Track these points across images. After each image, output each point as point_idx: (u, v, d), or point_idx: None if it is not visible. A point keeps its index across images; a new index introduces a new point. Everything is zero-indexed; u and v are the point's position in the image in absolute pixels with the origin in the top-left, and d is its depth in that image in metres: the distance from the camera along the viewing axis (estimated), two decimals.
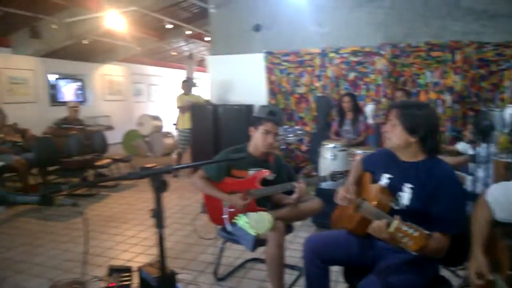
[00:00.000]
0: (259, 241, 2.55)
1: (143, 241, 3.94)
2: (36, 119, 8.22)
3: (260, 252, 2.89)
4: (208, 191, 2.73)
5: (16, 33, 8.76)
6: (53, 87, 10.32)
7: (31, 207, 5.08)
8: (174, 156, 9.39)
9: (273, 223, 2.49)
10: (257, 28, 6.69)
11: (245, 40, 6.85)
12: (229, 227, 2.71)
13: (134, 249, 3.73)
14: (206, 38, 10.85)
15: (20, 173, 5.23)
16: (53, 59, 9.65)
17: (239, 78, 6.90)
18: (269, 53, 6.68)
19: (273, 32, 6.67)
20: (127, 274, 3.05)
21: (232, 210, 2.70)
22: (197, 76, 13.95)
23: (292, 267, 3.09)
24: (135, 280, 2.91)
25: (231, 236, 2.76)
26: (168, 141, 9.41)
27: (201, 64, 14.50)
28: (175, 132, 10.55)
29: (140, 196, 5.68)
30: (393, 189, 1.94)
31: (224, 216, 2.71)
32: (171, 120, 12.31)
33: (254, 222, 2.53)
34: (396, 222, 1.60)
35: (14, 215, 4.79)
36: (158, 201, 1.42)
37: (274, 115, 2.82)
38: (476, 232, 1.80)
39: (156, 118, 9.75)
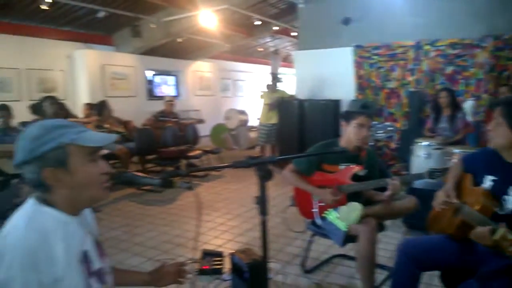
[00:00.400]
0: (349, 237, 2.53)
1: (232, 228, 4.11)
2: (135, 112, 8.95)
3: (348, 248, 2.87)
4: (298, 185, 2.76)
5: (119, 32, 9.60)
6: (150, 82, 11.13)
7: (131, 192, 5.59)
8: (258, 149, 9.63)
9: (363, 212, 2.46)
10: (346, 21, 6.56)
11: (333, 34, 6.76)
12: (318, 221, 2.72)
13: (224, 235, 3.91)
14: (293, 33, 10.89)
15: (123, 160, 5.74)
16: (150, 57, 10.40)
17: (326, 73, 6.83)
18: (358, 47, 6.52)
19: (363, 25, 6.48)
20: (219, 258, 3.23)
21: (322, 204, 2.70)
22: (282, 71, 14.06)
23: (382, 267, 3.01)
24: (227, 265, 3.07)
25: (320, 230, 2.77)
26: (253, 134, 9.66)
27: (286, 60, 14.59)
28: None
29: (226, 187, 5.92)
30: (497, 193, 1.82)
31: (313, 210, 2.73)
32: (256, 115, 12.67)
33: (344, 213, 2.52)
34: (502, 230, 1.50)
35: (115, 198, 5.30)
36: (263, 189, 1.48)
37: (367, 108, 2.75)
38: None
39: (242, 112, 10.05)
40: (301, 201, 2.83)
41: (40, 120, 5.38)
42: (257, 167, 1.45)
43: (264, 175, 1.45)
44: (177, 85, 11.93)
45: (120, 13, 8.10)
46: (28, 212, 1.10)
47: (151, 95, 10.99)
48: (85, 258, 1.17)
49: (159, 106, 7.88)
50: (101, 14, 7.62)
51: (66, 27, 8.75)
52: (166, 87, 11.66)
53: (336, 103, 6.37)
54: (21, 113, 5.12)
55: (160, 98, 10.63)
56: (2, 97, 7.33)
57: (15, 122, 4.86)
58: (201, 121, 7.40)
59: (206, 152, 6.68)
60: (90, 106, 6.41)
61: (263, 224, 1.52)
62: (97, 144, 1.14)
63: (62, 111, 5.27)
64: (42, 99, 5.10)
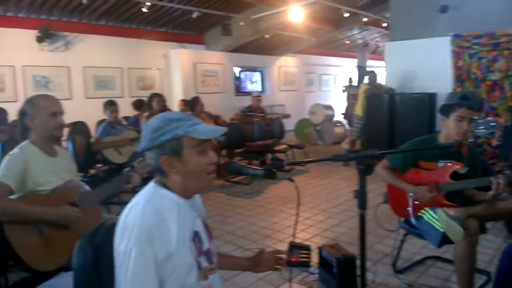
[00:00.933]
0: (446, 238, 2.39)
1: (318, 223, 4.11)
2: (223, 107, 9.34)
3: (443, 250, 2.72)
4: (392, 181, 2.66)
5: (210, 31, 10.06)
6: (237, 78, 11.48)
7: (220, 183, 5.85)
8: (344, 145, 9.44)
9: (462, 237, 2.27)
10: (444, 9, 6.12)
11: (428, 23, 6.35)
12: (413, 220, 2.61)
13: (310, 230, 3.93)
14: (384, 24, 10.46)
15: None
16: (238, 54, 10.73)
17: (420, 64, 6.45)
18: (456, 36, 6.05)
19: (462, 13, 6.00)
20: (306, 251, 3.25)
21: (417, 202, 2.58)
22: (370, 64, 13.60)
23: (480, 271, 2.80)
24: (314, 259, 3.09)
25: (415, 229, 2.66)
26: (338, 130, 9.50)
27: (374, 52, 14.07)
28: (344, 121, 10.60)
29: (311, 181, 5.92)
30: None
31: (408, 209, 2.62)
32: (341, 110, 12.43)
33: (445, 226, 2.36)
34: None
35: None
36: (363, 183, 1.47)
37: (467, 99, 2.56)
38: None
39: (328, 107, 9.93)
40: (395, 198, 2.74)
41: (140, 115, 5.89)
42: (357, 161, 1.44)
43: (365, 169, 1.44)
44: (263, 80, 12.15)
45: (212, 13, 8.47)
46: (148, 193, 1.26)
47: (238, 91, 11.34)
48: (196, 238, 1.28)
49: (245, 102, 8.13)
50: (195, 15, 8.03)
51: (163, 28, 9.40)
52: (252, 82, 11.94)
53: (431, 96, 6.00)
54: (123, 108, 5.60)
55: (247, 93, 10.94)
56: (107, 94, 8.13)
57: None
58: (287, 115, 7.47)
59: (291, 146, 6.73)
60: (184, 102, 6.81)
61: (362, 218, 1.52)
62: (208, 136, 1.24)
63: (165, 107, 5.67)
64: (151, 95, 5.54)
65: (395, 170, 2.68)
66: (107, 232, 1.41)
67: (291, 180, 1.50)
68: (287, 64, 12.58)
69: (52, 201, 2.04)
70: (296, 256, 3.22)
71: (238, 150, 6.41)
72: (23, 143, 2.13)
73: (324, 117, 9.59)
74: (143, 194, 1.26)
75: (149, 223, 1.15)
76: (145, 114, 5.45)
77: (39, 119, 2.11)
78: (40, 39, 7.37)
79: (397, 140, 6.05)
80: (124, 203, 1.30)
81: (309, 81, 14.17)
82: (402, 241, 2.96)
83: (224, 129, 1.30)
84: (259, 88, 11.93)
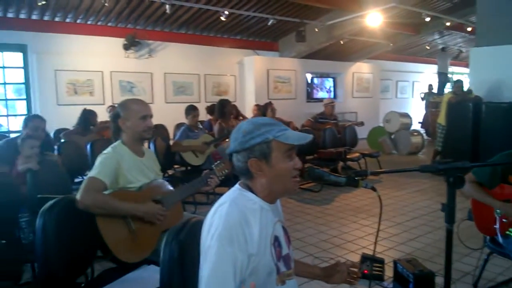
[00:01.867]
0: None
1: (392, 236, 3.96)
2: (295, 113, 9.35)
3: None
4: (478, 197, 2.49)
5: (284, 38, 10.15)
6: (309, 85, 11.44)
7: None
8: (421, 155, 8.99)
9: None
10: None
11: None
12: (500, 239, 2.42)
13: (383, 242, 3.80)
14: (468, 29, 9.82)
15: None
16: (311, 60, 10.69)
17: (510, 72, 5.96)
18: None
19: None
20: (379, 264, 3.15)
21: (505, 220, 2.39)
22: (451, 70, 12.83)
23: None
24: (388, 273, 2.98)
25: (501, 249, 2.47)
26: (415, 139, 9.06)
27: (456, 58, 13.23)
28: (422, 131, 10.09)
29: (385, 192, 5.70)
30: None
31: (495, 226, 2.43)
32: (418, 118, 11.85)
33: None
34: None
35: None
36: (452, 196, 1.40)
37: None
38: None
39: (404, 115, 9.52)
40: (480, 214, 2.56)
41: (213, 119, 6.10)
42: (447, 173, 1.38)
43: (455, 181, 1.37)
44: (335, 87, 11.97)
45: (287, 20, 8.55)
46: (233, 194, 1.32)
47: (310, 97, 11.29)
48: (276, 243, 1.31)
49: (317, 108, 8.07)
50: (270, 22, 8.16)
51: (238, 36, 9.68)
52: (324, 89, 11.82)
53: None
54: (200, 113, 5.81)
55: (318, 100, 10.85)
56: (185, 99, 8.54)
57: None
58: (361, 123, 7.28)
59: (364, 155, 6.55)
60: (258, 107, 6.94)
61: (449, 234, 1.44)
62: (295, 142, 1.27)
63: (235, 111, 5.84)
64: (222, 101, 5.73)
65: (481, 185, 2.50)
66: (191, 229, 1.50)
67: (374, 189, 1.47)
68: (361, 70, 12.27)
69: (139, 197, 2.19)
70: (369, 268, 3.14)
71: (309, 157, 6.38)
72: (115, 143, 2.31)
73: (399, 126, 9.19)
74: (229, 195, 1.32)
75: (232, 223, 1.20)
76: (219, 120, 5.62)
77: (131, 121, 2.28)
78: (126, 47, 7.96)
79: (482, 153, 5.62)
80: (197, 203, 1.36)
81: (385, 88, 13.69)
82: (486, 260, 2.76)
83: (310, 137, 1.32)
84: (331, 95, 11.78)
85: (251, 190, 1.32)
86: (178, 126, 6.78)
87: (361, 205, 5.04)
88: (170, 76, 8.80)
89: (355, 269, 1.64)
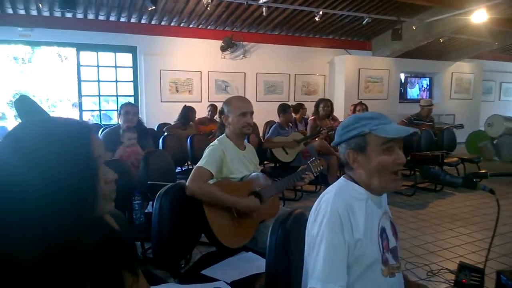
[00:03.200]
0: None
1: (494, 247, 3.69)
2: (386, 113, 8.76)
3: None
4: None
5: (378, 37, 9.87)
6: (402, 85, 10.97)
7: None
8: None
9: None
10: None
11: None
12: None
13: (482, 252, 3.57)
14: None
15: None
16: (406, 59, 10.24)
17: None
18: None
19: None
20: (478, 274, 2.98)
21: None
22: None
23: None
24: (488, 284, 2.80)
25: None
26: None
27: None
28: None
29: (486, 200, 5.29)
30: None
31: None
32: None
33: None
34: None
35: None
36: None
37: None
38: None
39: (510, 119, 8.68)
40: None
41: (298, 117, 6.19)
42: None
43: None
44: (431, 87, 11.32)
45: (382, 18, 8.31)
46: (338, 185, 1.39)
47: (402, 98, 10.83)
48: (384, 234, 1.35)
49: (409, 109, 7.73)
50: (365, 21, 8.00)
51: (330, 35, 9.63)
52: (419, 89, 11.25)
53: None
54: None
55: (411, 101, 10.37)
56: (275, 98, 8.78)
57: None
58: (460, 126, 6.83)
59: (463, 160, 6.14)
60: (353, 107, 6.88)
61: None
62: (394, 135, 1.29)
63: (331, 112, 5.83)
64: (318, 101, 5.81)
65: None
66: (295, 219, 1.60)
67: (492, 192, 1.43)
68: (461, 70, 11.42)
69: (240, 188, 2.36)
70: (467, 278, 3.00)
71: None
72: (221, 137, 2.52)
73: (504, 130, 8.39)
74: (334, 186, 1.39)
75: (339, 210, 1.25)
76: (312, 117, 5.70)
77: (232, 117, 2.47)
78: (223, 48, 8.40)
79: None
80: (285, 199, 1.43)
81: (487, 89, 12.59)
82: None
83: (410, 130, 1.31)
84: (427, 95, 11.16)
85: (355, 181, 1.37)
86: (268, 124, 6.99)
87: (458, 212, 4.76)
88: (261, 76, 9.08)
89: None
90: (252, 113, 2.55)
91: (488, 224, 4.33)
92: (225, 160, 2.38)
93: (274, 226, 1.58)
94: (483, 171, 1.54)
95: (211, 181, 2.32)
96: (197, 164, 2.35)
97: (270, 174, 5.11)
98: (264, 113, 7.38)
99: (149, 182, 3.14)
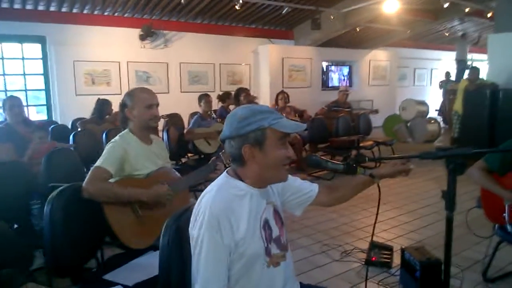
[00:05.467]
0: None
1: (403, 224, 3.95)
2: (309, 101, 9.32)
3: None
4: (487, 185, 2.46)
5: (299, 26, 10.06)
6: (324, 73, 11.34)
7: (301, 177, 5.86)
8: (437, 143, 8.84)
9: None
10: None
11: None
12: (509, 227, 2.40)
13: (393, 230, 3.79)
14: (488, 15, 9.54)
15: (296, 148, 6.04)
16: (327, 48, 10.59)
17: None
18: None
19: None
20: (388, 252, 3.16)
21: None
22: (471, 57, 12.51)
23: None
24: (396, 260, 2.98)
25: (510, 237, 2.44)
26: (432, 127, 8.91)
27: (476, 44, 12.87)
28: (439, 118, 9.92)
29: (398, 181, 5.62)
30: None
31: (504, 215, 2.41)
32: (436, 106, 11.63)
33: None
34: None
35: None
36: (452, 183, 1.40)
37: None
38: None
39: (421, 103, 9.36)
40: (489, 203, 2.53)
41: (227, 106, 6.15)
42: (448, 160, 1.37)
43: (455, 168, 1.36)
44: (350, 75, 11.84)
45: (302, 8, 8.46)
46: (220, 182, 1.35)
47: (325, 86, 11.21)
48: (266, 225, 1.35)
49: (332, 96, 8.01)
50: (285, 10, 8.09)
51: (253, 24, 9.64)
52: (339, 77, 11.71)
53: None
54: (214, 102, 5.83)
55: (333, 88, 10.76)
56: (200, 88, 8.60)
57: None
58: (375, 111, 7.21)
59: (378, 143, 6.49)
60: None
61: (449, 221, 1.44)
62: (289, 130, 1.30)
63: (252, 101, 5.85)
64: (238, 90, 5.79)
65: (493, 172, 2.47)
66: (191, 215, 1.53)
67: (372, 176, 1.47)
68: (378, 57, 12.08)
69: (146, 184, 2.24)
70: (377, 255, 3.16)
71: (321, 145, 6.37)
72: (123, 132, 2.37)
73: (416, 113, 9.03)
74: (216, 183, 1.35)
75: (217, 212, 1.23)
76: (232, 106, 5.67)
77: (137, 110, 2.33)
78: (142, 37, 8.05)
79: (498, 140, 5.52)
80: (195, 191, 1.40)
81: (402, 76, 13.47)
82: (496, 249, 2.73)
83: (304, 126, 1.37)
84: (347, 83, 11.66)
85: (239, 177, 1.34)
86: (193, 115, 6.84)
87: (373, 193, 4.89)
88: (185, 66, 8.87)
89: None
90: (157, 105, 2.43)
91: (399, 203, 4.62)
92: (127, 157, 2.24)
93: (168, 222, 1.50)
94: (365, 156, 1.58)
95: (112, 180, 2.18)
96: (95, 164, 2.19)
97: (193, 166, 5.02)
98: (189, 104, 7.22)
99: (51, 184, 2.90)
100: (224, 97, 6.33)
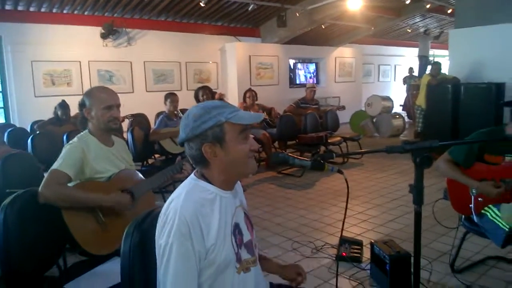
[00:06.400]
0: (511, 238, 2.21)
1: (372, 218, 3.99)
2: (277, 99, 9.32)
3: (506, 250, 2.54)
4: (454, 176, 2.50)
5: (265, 23, 10.05)
6: (292, 70, 11.39)
7: (272, 175, 5.86)
8: (402, 137, 9.07)
9: None
10: None
11: (498, 8, 5.88)
12: (475, 218, 2.45)
13: (363, 224, 3.82)
14: (448, 11, 9.85)
15: (265, 145, 6.03)
16: (293, 45, 10.62)
17: (488, 53, 6.01)
18: None
19: None
20: (357, 246, 3.17)
21: (480, 199, 2.41)
22: (433, 53, 12.91)
23: None
24: (366, 254, 3.00)
25: (476, 228, 2.50)
26: (397, 122, 9.13)
27: (437, 40, 13.30)
28: (403, 113, 10.16)
29: (366, 175, 5.74)
30: None
31: (470, 206, 2.45)
32: (400, 101, 11.92)
33: (507, 212, 2.20)
34: None
35: (258, 180, 5.61)
36: (420, 177, 1.39)
37: None
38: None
39: (386, 98, 9.56)
40: (455, 194, 2.58)
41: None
42: (414, 153, 1.36)
43: (423, 161, 1.35)
44: (317, 72, 11.95)
45: (268, 5, 8.44)
46: (188, 186, 1.26)
47: (292, 83, 11.25)
48: (236, 230, 1.28)
49: (300, 93, 8.04)
50: (251, 7, 8.05)
51: (219, 22, 9.54)
52: (306, 74, 11.79)
53: (499, 86, 5.56)
54: (181, 101, 5.68)
55: (301, 85, 10.82)
56: (166, 87, 8.43)
57: None
58: (342, 107, 7.29)
59: (345, 139, 6.57)
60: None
61: (417, 215, 1.43)
62: (248, 121, 1.23)
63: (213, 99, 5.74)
64: (197, 89, 5.68)
65: (458, 164, 2.51)
66: (154, 219, 1.45)
67: (340, 172, 1.44)
68: (343, 54, 12.25)
69: (108, 188, 2.14)
70: (347, 250, 3.17)
71: (290, 142, 6.37)
72: (82, 133, 2.25)
73: (381, 109, 9.23)
74: (184, 186, 1.26)
75: (187, 217, 1.15)
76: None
77: (95, 111, 2.20)
78: (104, 36, 7.79)
79: (461, 133, 5.70)
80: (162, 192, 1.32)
81: (367, 72, 13.73)
82: (463, 240, 2.79)
83: (262, 116, 1.31)
84: (314, 80, 11.76)
85: (206, 179, 1.27)
86: (159, 115, 6.68)
87: (342, 188, 5.05)
88: (150, 64, 8.67)
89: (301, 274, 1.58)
90: (118, 105, 2.31)
91: (367, 197, 4.67)
92: (86, 159, 2.12)
93: (129, 229, 1.42)
94: (331, 152, 1.55)
95: (71, 184, 2.06)
96: (52, 167, 2.06)
97: (160, 167, 4.88)
98: (155, 104, 7.04)
99: (7, 190, 2.73)
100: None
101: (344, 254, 3.04)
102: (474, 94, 5.74)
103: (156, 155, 5.49)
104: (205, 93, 5.58)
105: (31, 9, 7.13)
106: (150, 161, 5.52)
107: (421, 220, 1.48)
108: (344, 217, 1.64)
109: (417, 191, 1.44)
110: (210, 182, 1.26)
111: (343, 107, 7.31)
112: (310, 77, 11.78)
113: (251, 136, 1.30)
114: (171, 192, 1.33)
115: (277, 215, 4.14)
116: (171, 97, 5.11)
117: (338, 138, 6.38)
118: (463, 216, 2.64)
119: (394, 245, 2.68)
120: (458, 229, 2.75)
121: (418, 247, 1.51)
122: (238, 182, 1.40)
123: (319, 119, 6.62)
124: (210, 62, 9.69)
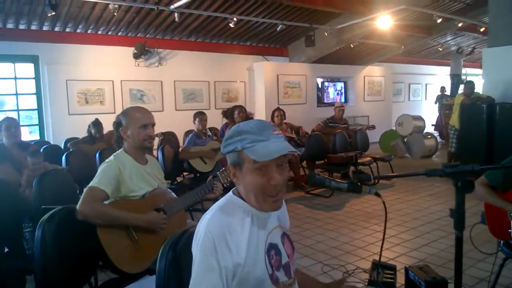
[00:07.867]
0: None
1: (405, 242, 3.86)
2: (305, 118, 9.28)
3: None
4: (493, 201, 2.39)
5: (293, 43, 10.12)
6: (319, 89, 11.36)
7: (300, 195, 5.79)
8: (435, 158, 8.83)
9: None
10: None
11: None
12: None
13: (396, 248, 3.70)
14: (481, 29, 9.67)
15: (293, 165, 5.98)
16: (321, 64, 10.63)
17: None
18: None
19: None
20: (391, 271, 3.06)
21: None
22: (465, 72, 12.63)
23: None
24: (400, 279, 2.89)
25: None
26: (429, 142, 8.90)
27: (470, 59, 13.02)
28: (435, 133, 9.91)
29: (398, 197, 5.59)
30: None
31: (510, 231, 2.33)
32: (431, 121, 11.66)
33: None
34: None
35: (286, 200, 5.54)
36: (461, 201, 1.33)
37: None
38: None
39: (417, 118, 9.36)
40: (494, 219, 2.46)
41: (229, 123, 6.08)
42: (455, 177, 1.30)
43: (464, 185, 1.29)
44: (346, 91, 11.87)
45: (296, 25, 8.52)
46: (221, 202, 1.27)
47: (320, 102, 11.21)
48: (272, 251, 1.25)
49: (328, 112, 7.99)
50: (279, 28, 8.14)
51: (248, 42, 9.68)
52: (335, 93, 11.73)
53: None
54: (210, 119, 5.75)
55: (329, 104, 10.76)
56: (195, 106, 8.56)
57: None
58: (372, 127, 7.18)
59: (375, 159, 6.44)
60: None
61: (458, 241, 1.37)
62: (261, 158, 1.14)
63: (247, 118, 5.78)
64: (233, 108, 5.76)
65: (495, 188, 2.41)
66: (189, 238, 1.45)
67: (378, 194, 1.40)
68: (372, 73, 12.14)
69: (142, 206, 2.16)
70: (380, 275, 3.06)
71: (319, 162, 6.30)
72: (118, 152, 2.29)
73: (412, 129, 9.04)
74: (219, 202, 1.28)
75: (213, 232, 1.15)
76: (230, 125, 5.63)
77: (131, 130, 2.26)
78: (136, 56, 8.02)
79: (497, 155, 5.48)
80: (206, 211, 1.32)
81: (397, 91, 13.54)
82: (502, 266, 2.64)
83: (287, 149, 1.18)
84: (342, 99, 11.68)
85: (241, 196, 1.26)
86: (188, 133, 6.77)
87: (373, 210, 4.94)
88: (179, 84, 8.84)
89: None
90: (153, 124, 2.36)
91: (399, 220, 4.53)
92: (122, 177, 2.16)
93: (165, 247, 1.42)
94: (368, 174, 1.51)
95: (107, 202, 2.09)
96: (89, 184, 2.10)
97: (189, 186, 4.92)
98: (184, 122, 7.14)
99: (43, 207, 2.80)
100: (228, 113, 6.22)
101: (377, 279, 2.94)
102: (510, 114, 5.54)
103: (185, 173, 5.54)
104: (241, 111, 5.65)
105: (67, 29, 7.43)
106: (178, 179, 5.57)
107: (462, 246, 1.42)
108: (383, 241, 1.58)
109: (458, 216, 1.38)
110: (244, 200, 1.25)
111: (373, 127, 7.20)
112: (339, 96, 11.70)
113: (276, 173, 1.18)
114: (200, 210, 1.33)
115: (306, 237, 4.07)
116: (200, 116, 5.17)
117: (368, 158, 6.26)
118: (501, 242, 2.51)
119: (430, 271, 2.57)
120: (497, 255, 2.62)
121: (459, 273, 1.43)
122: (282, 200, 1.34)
123: (348, 139, 6.53)
124: (238, 81, 9.80)
